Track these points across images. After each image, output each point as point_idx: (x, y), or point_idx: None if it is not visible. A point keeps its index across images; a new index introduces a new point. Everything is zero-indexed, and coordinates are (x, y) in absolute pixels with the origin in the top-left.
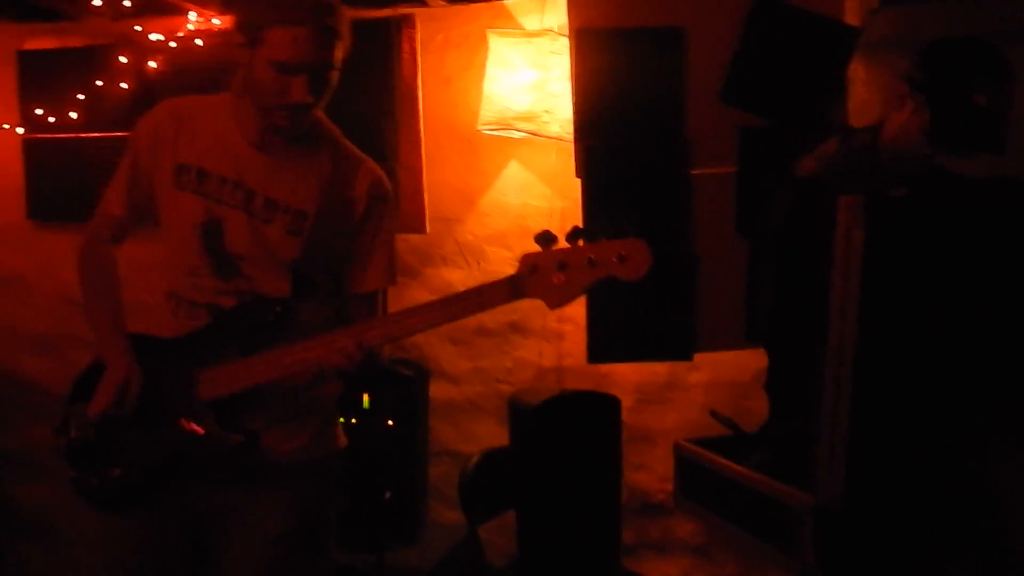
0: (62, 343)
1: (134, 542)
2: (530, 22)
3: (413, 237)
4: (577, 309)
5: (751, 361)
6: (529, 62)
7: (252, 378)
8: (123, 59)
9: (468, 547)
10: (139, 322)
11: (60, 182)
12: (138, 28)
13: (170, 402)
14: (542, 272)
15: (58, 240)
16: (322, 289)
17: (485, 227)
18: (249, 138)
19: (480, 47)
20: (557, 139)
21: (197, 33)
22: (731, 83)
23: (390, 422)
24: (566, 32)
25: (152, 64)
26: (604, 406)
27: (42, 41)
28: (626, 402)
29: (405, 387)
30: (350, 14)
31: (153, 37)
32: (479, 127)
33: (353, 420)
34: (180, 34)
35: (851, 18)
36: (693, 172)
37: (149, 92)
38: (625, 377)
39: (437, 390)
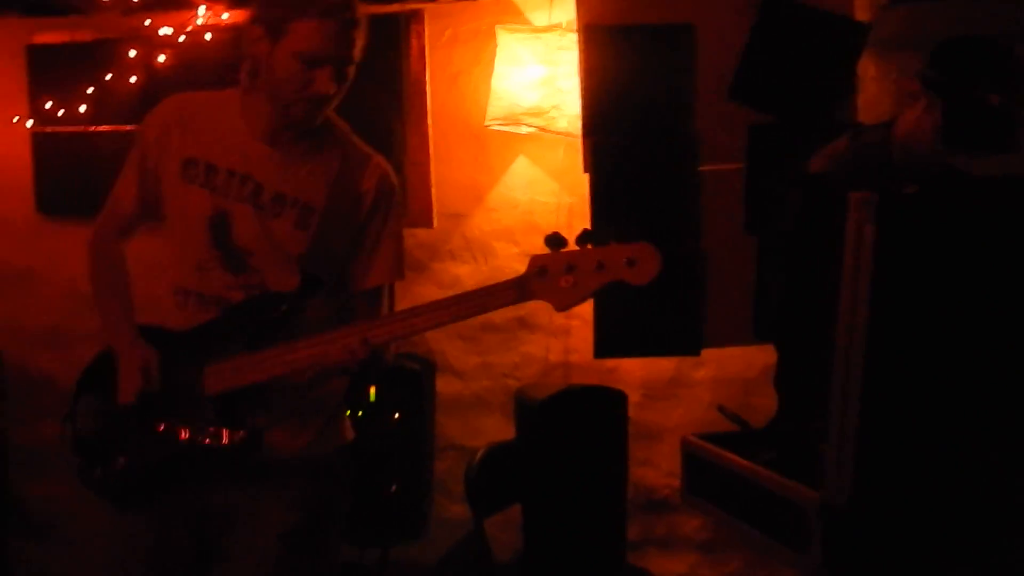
0: (71, 337)
1: (141, 538)
2: (538, 18)
3: (421, 232)
4: (584, 305)
5: (758, 357)
6: (537, 58)
7: (257, 373)
8: (132, 53)
9: (474, 541)
10: (147, 315)
11: (69, 176)
12: (147, 22)
13: (176, 394)
14: (550, 274)
15: (67, 234)
16: (329, 286)
17: (493, 222)
18: (258, 133)
19: (488, 43)
20: (565, 135)
21: (206, 28)
22: (740, 80)
23: (396, 416)
24: (575, 28)
25: (161, 59)
26: (610, 401)
27: (51, 35)
28: (632, 397)
29: (412, 381)
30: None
31: (162, 32)
32: (487, 123)
33: (360, 414)
34: (189, 29)
35: (861, 15)
36: (701, 168)
37: (158, 87)
38: (632, 373)
39: (444, 384)
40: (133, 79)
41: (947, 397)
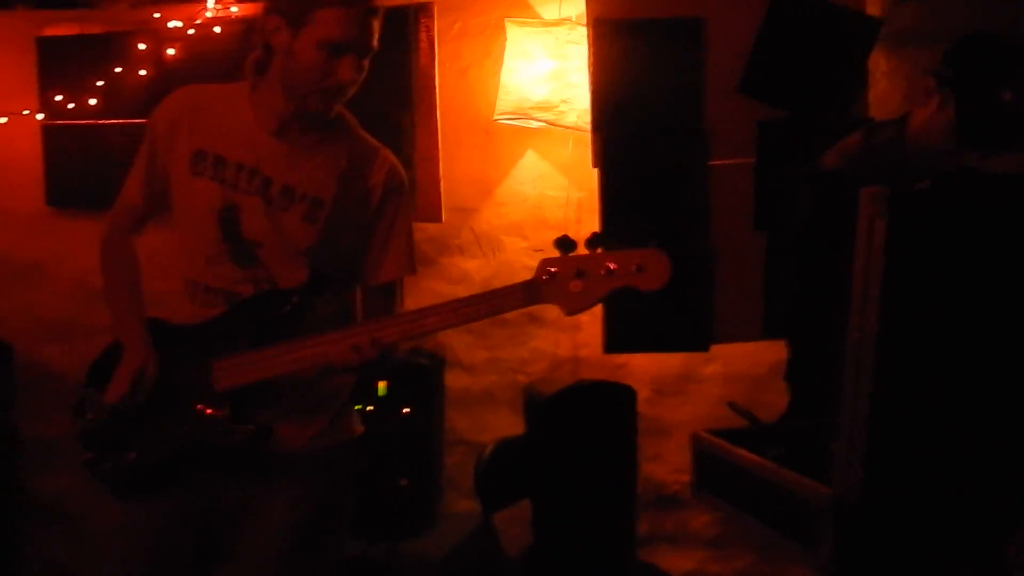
0: (80, 330)
1: (151, 532)
2: (548, 11)
3: (429, 226)
4: None
5: (767, 353)
6: (547, 52)
7: (265, 371)
8: (142, 46)
9: (483, 536)
10: (156, 308)
11: (78, 169)
12: (157, 15)
13: (185, 389)
14: (560, 278)
15: (76, 227)
16: (338, 281)
17: (501, 217)
18: (267, 126)
19: (497, 36)
20: (574, 129)
21: (215, 21)
22: (750, 74)
23: (406, 411)
24: (584, 22)
25: (171, 51)
26: (619, 397)
27: (61, 28)
28: (641, 393)
29: (421, 376)
30: None
31: (171, 25)
32: (496, 117)
33: (369, 408)
34: (198, 22)
35: (872, 9)
36: (710, 164)
37: (167, 79)
38: (641, 368)
39: (453, 379)
40: (143, 72)
41: (958, 393)
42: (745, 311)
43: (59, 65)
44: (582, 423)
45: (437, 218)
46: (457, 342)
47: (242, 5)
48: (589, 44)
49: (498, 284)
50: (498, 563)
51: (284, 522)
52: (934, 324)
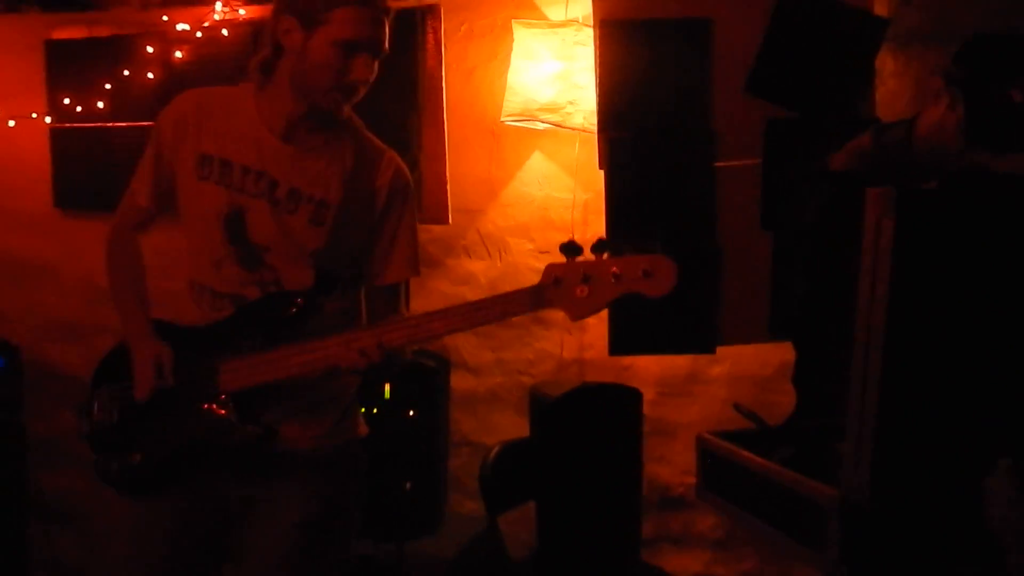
0: (88, 330)
1: (158, 532)
2: (555, 12)
3: (436, 228)
4: None
5: (773, 355)
6: (554, 53)
7: (271, 373)
8: (150, 49)
9: (488, 538)
10: (163, 310)
11: (86, 171)
12: (164, 18)
13: (191, 390)
14: (566, 284)
15: (84, 228)
16: (344, 283)
17: (508, 218)
18: (273, 128)
19: (504, 38)
20: (581, 130)
21: (223, 23)
22: (757, 74)
23: (411, 412)
24: (591, 23)
25: (178, 54)
26: (625, 399)
27: (69, 30)
28: (647, 395)
29: (426, 378)
30: None
31: (179, 27)
32: (503, 118)
33: (374, 410)
34: (206, 24)
35: (880, 9)
36: (717, 164)
37: (175, 82)
38: (646, 370)
39: (458, 381)
40: (150, 75)
41: (966, 394)
42: (752, 312)
43: (67, 68)
44: (587, 425)
45: (443, 219)
46: (463, 343)
47: (250, 8)
48: (596, 45)
49: (504, 286)
50: (503, 565)
51: (289, 522)
52: (942, 325)
